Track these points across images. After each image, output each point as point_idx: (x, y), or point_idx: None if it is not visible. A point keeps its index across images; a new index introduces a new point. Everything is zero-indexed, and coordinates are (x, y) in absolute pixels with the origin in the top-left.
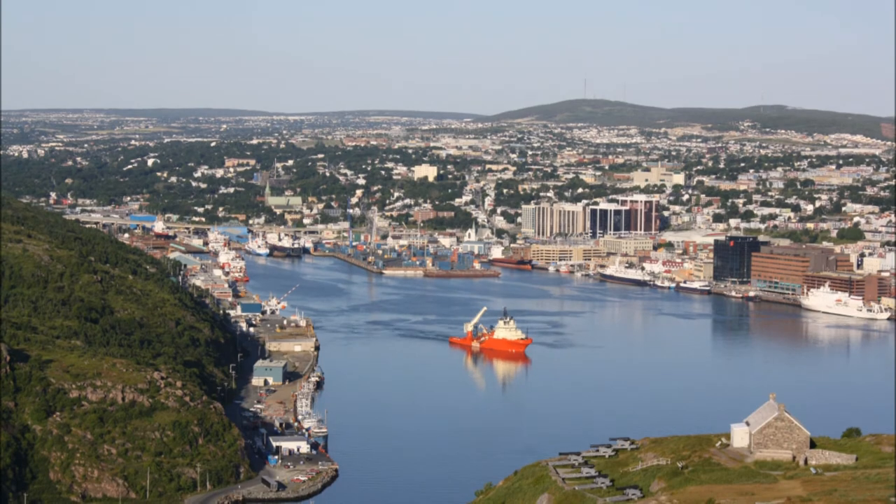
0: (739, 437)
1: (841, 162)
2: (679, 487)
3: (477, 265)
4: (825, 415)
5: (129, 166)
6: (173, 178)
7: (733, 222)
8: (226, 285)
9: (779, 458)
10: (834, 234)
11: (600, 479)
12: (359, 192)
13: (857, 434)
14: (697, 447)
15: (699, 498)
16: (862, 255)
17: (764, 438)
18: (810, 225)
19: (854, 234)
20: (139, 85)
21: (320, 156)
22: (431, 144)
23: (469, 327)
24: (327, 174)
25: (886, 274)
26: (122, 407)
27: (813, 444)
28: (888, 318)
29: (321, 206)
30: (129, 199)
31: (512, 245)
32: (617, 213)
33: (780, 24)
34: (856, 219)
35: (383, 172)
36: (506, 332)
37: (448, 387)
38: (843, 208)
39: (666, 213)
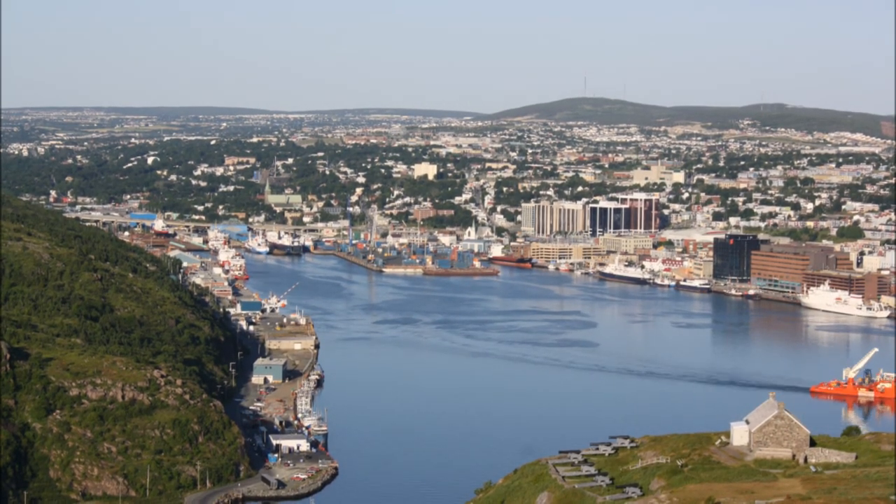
0: (739, 435)
1: (841, 160)
2: (679, 486)
3: (477, 263)
4: (825, 413)
5: (129, 164)
6: (173, 177)
7: (733, 220)
8: (225, 283)
9: (778, 457)
10: (834, 232)
11: (600, 478)
12: (359, 191)
13: (856, 432)
14: (697, 445)
15: (699, 496)
16: (862, 254)
17: (764, 437)
18: (810, 223)
19: (854, 233)
20: (139, 83)
21: (320, 154)
22: (431, 143)
23: (851, 373)
24: (327, 172)
25: (886, 272)
26: (122, 405)
27: (813, 443)
28: (888, 317)
29: (321, 204)
30: (128, 197)
31: (512, 243)
32: (617, 211)
33: (781, 22)
34: (855, 217)
35: (383, 171)
36: None
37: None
38: (843, 207)
39: (666, 212)
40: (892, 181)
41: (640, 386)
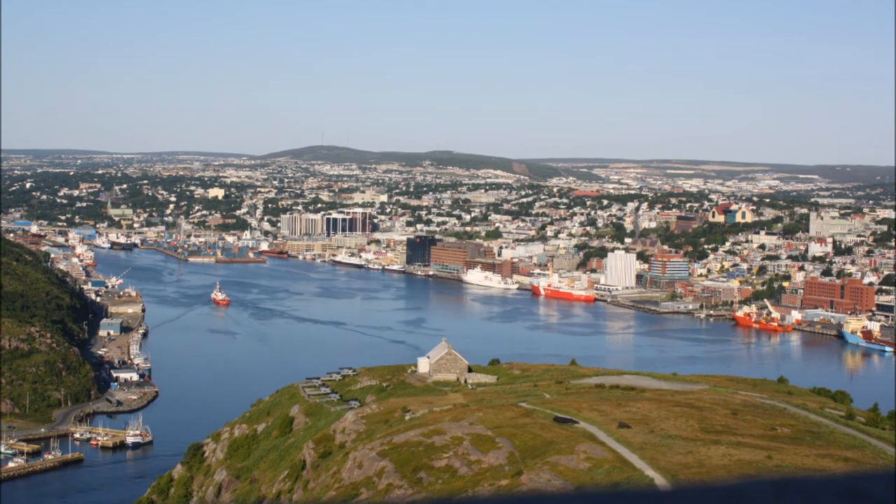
0: (423, 365)
1: (487, 188)
2: (384, 399)
3: (251, 255)
4: (478, 349)
5: (13, 188)
6: (44, 196)
7: (419, 226)
8: (80, 268)
9: (448, 379)
10: (483, 234)
11: (333, 395)
12: (171, 206)
13: (497, 362)
14: (396, 373)
15: (397, 406)
16: (501, 248)
17: (438, 366)
18: (468, 228)
19: (495, 234)
20: (19, 132)
21: (145, 181)
22: (220, 174)
23: None
24: (150, 194)
25: (516, 260)
26: (9, 350)
27: (470, 370)
28: (517, 289)
29: (146, 215)
30: (12, 210)
31: (274, 241)
32: (344, 220)
33: (448, 87)
34: (496, 224)
35: (188, 193)
36: None
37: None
38: (489, 217)
39: (376, 220)
40: (520, 201)
41: (355, 335)
